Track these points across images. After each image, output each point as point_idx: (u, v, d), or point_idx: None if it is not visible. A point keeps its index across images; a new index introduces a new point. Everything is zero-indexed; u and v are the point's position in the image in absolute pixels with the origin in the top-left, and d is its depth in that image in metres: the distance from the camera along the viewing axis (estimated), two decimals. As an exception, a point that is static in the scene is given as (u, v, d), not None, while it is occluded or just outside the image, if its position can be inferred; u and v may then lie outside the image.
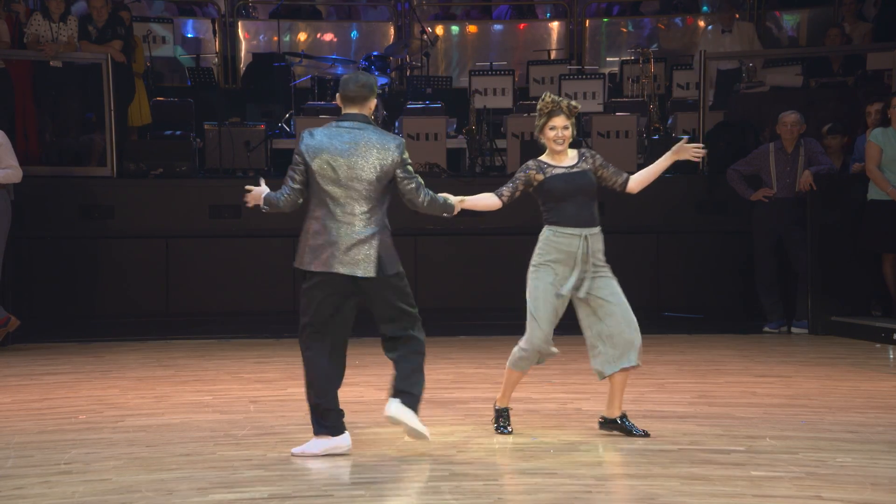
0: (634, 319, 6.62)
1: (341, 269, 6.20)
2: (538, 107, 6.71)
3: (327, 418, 6.28)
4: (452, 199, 6.56)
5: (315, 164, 6.23)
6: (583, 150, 6.76)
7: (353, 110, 6.33)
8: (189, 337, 11.05)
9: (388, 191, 6.32)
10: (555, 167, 6.66)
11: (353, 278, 6.21)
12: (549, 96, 6.70)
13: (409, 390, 6.33)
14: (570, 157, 6.69)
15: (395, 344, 6.39)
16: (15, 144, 10.76)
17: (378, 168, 6.22)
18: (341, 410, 6.33)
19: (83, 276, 12.25)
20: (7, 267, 10.54)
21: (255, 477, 5.82)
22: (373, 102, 6.38)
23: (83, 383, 8.70)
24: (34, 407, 7.79)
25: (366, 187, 6.22)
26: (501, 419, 6.84)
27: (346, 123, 6.30)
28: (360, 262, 6.20)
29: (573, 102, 6.72)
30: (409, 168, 6.33)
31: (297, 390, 8.17)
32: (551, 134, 6.65)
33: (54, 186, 12.24)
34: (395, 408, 6.26)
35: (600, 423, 6.80)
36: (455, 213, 6.56)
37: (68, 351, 10.36)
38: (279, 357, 9.82)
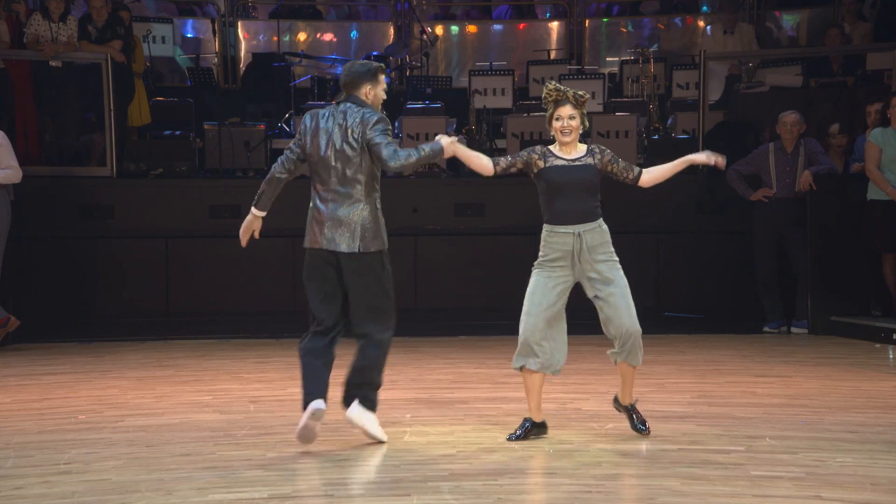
0: (632, 307, 6.48)
1: (324, 245, 6.36)
2: (542, 95, 6.57)
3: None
4: (442, 139, 6.40)
5: (308, 144, 6.43)
6: (592, 146, 6.60)
7: (351, 94, 6.46)
8: (189, 337, 11.05)
9: (370, 166, 6.37)
10: (557, 157, 6.52)
11: (335, 254, 6.35)
12: (552, 84, 6.54)
13: (365, 394, 6.48)
14: (578, 151, 6.54)
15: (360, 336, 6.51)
16: (15, 144, 10.77)
17: (357, 143, 6.32)
18: (315, 394, 6.38)
19: (83, 276, 12.25)
20: (7, 267, 10.54)
21: (255, 477, 5.82)
22: (366, 87, 6.43)
23: (83, 383, 8.70)
24: (34, 407, 7.78)
25: (348, 165, 6.33)
26: (520, 428, 6.66)
27: (339, 106, 6.45)
28: (343, 237, 6.33)
29: (580, 92, 6.55)
30: (379, 132, 6.28)
31: (296, 390, 8.15)
32: (557, 125, 6.50)
33: (54, 186, 12.24)
34: (356, 412, 6.44)
35: (614, 399, 6.77)
36: (445, 153, 6.38)
37: (68, 351, 10.36)
38: (279, 357, 9.82)
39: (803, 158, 11.00)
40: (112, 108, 12.55)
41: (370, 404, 6.50)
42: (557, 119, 6.52)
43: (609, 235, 6.54)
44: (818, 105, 12.53)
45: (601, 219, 6.54)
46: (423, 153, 6.34)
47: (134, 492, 5.55)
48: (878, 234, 10.54)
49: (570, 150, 6.55)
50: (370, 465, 6.09)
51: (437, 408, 7.42)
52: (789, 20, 16.83)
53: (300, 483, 5.74)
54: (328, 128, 6.38)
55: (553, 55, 16.68)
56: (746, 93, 13.48)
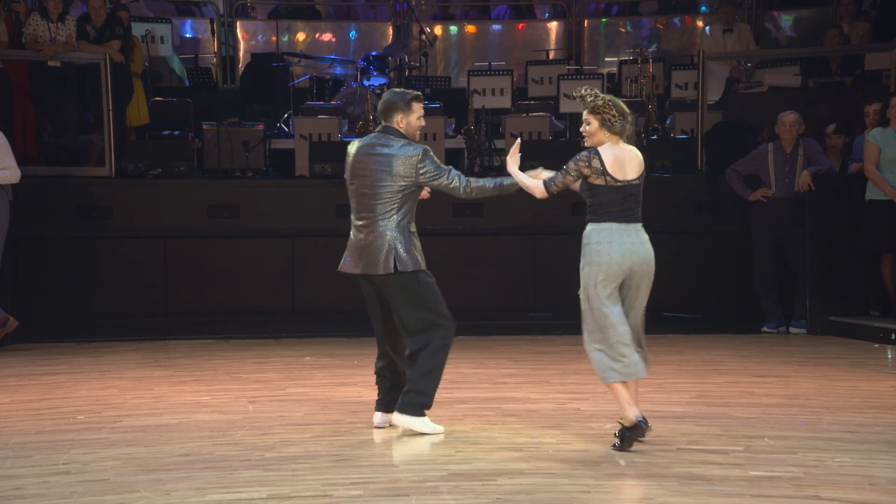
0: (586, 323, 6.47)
1: (360, 269, 6.65)
2: None
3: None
4: (523, 177, 6.44)
5: (347, 174, 6.70)
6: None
7: (385, 124, 6.70)
8: (188, 337, 11.04)
9: (406, 198, 6.59)
10: None
11: (370, 277, 6.63)
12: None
13: (404, 397, 6.71)
14: None
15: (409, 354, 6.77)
16: (13, 145, 10.76)
17: (388, 176, 6.53)
18: (385, 394, 6.82)
19: (82, 276, 12.24)
20: (5, 267, 10.53)
21: (254, 477, 5.82)
22: (398, 116, 6.66)
23: (81, 383, 8.70)
24: (32, 407, 7.78)
25: (378, 194, 6.55)
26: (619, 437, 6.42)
27: (373, 135, 6.70)
28: (370, 261, 6.59)
29: (588, 97, 6.31)
30: (431, 169, 6.52)
31: (295, 390, 8.20)
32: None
33: (52, 187, 12.23)
34: (396, 418, 6.72)
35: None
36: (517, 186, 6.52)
37: (67, 351, 10.36)
38: (278, 357, 9.82)
39: (802, 158, 11.01)
40: (110, 108, 12.54)
41: (412, 409, 6.66)
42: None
43: (586, 239, 6.45)
44: (817, 105, 12.53)
45: (589, 225, 6.48)
46: (488, 185, 6.60)
47: (132, 492, 5.55)
48: (876, 235, 10.54)
49: None
50: (369, 466, 6.09)
51: (436, 408, 7.41)
52: (788, 20, 16.83)
53: (299, 483, 5.74)
54: (362, 157, 6.59)
55: (552, 55, 16.69)
56: (745, 93, 13.49)
